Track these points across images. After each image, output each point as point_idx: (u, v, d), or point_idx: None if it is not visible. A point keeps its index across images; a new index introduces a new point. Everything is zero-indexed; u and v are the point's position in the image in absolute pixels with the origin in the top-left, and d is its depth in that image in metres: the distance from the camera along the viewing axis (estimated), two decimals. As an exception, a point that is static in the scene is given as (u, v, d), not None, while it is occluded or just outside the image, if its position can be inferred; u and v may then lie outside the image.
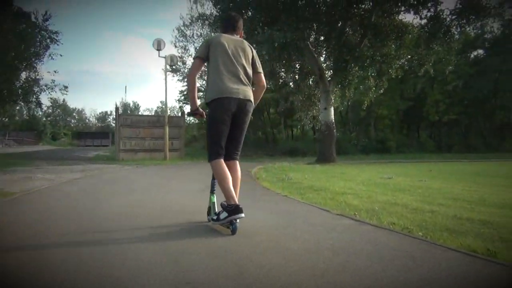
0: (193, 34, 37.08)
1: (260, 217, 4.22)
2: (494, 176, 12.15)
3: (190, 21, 36.66)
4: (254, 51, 3.93)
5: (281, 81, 22.16)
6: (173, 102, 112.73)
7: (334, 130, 20.10)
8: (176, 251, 2.77)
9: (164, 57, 18.52)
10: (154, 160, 17.40)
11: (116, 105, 17.85)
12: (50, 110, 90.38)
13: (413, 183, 8.65)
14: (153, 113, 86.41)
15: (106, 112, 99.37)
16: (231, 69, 3.64)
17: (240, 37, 3.94)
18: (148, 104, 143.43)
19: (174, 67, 18.79)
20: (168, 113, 21.08)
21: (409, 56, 18.42)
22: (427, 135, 45.67)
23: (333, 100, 19.95)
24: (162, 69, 31.53)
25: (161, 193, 6.49)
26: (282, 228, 3.69)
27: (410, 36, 17.50)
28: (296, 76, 21.13)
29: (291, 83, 22.72)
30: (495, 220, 4.15)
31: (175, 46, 37.38)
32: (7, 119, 48.93)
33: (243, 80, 3.69)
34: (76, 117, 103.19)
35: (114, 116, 19.73)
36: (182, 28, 36.85)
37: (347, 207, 4.92)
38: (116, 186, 7.71)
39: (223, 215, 3.41)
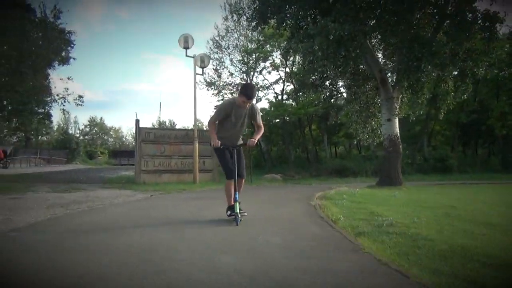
0: (228, 46, 34.36)
1: None
2: None
3: (225, 31, 34.07)
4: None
5: (332, 88, 18.51)
6: (207, 119, 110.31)
7: (400, 146, 16.36)
8: None
9: (193, 57, 15.36)
10: (181, 184, 14.11)
11: (136, 116, 14.58)
12: (87, 129, 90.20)
13: None
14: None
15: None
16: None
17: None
18: (184, 123, 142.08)
19: (204, 74, 15.37)
20: (199, 126, 17.88)
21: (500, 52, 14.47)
22: (489, 152, 40.94)
23: (398, 109, 16.26)
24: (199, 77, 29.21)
25: None
26: None
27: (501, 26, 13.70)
28: (351, 82, 17.46)
29: (343, 92, 19.05)
30: None
31: (210, 58, 34.65)
32: (38, 136, 47.39)
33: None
34: (113, 135, 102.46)
35: (134, 131, 16.52)
36: (217, 38, 34.16)
37: None
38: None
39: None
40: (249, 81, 34.01)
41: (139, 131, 15.71)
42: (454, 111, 32.54)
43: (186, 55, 15.05)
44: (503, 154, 35.78)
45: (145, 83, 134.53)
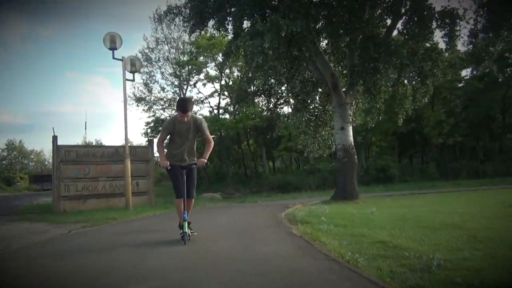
0: (159, 58, 32.15)
1: None
2: None
3: (155, 43, 31.84)
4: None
5: (278, 96, 16.96)
6: (137, 137, 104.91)
7: (355, 156, 15.04)
8: None
9: (122, 59, 13.03)
10: (111, 211, 11.70)
11: (53, 132, 11.97)
12: (4, 153, 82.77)
13: None
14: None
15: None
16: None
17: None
18: (113, 143, 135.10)
19: (134, 83, 13.10)
20: (131, 143, 15.53)
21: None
22: (422, 161, 41.44)
23: (352, 116, 14.97)
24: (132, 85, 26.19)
25: None
26: None
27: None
28: (300, 89, 15.90)
29: (290, 101, 17.42)
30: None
31: (139, 72, 32.16)
32: None
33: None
34: (34, 159, 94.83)
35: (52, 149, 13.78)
36: (146, 51, 31.85)
37: None
38: None
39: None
40: (183, 95, 32.11)
41: (57, 149, 13.09)
42: (392, 120, 32.40)
43: (114, 58, 12.65)
44: (438, 162, 36.10)
45: (70, 104, 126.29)
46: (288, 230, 6.17)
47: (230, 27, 14.38)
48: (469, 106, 32.22)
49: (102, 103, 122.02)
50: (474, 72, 31.95)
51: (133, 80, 13.30)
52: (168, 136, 5.79)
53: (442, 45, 13.32)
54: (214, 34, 15.11)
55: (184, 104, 5.48)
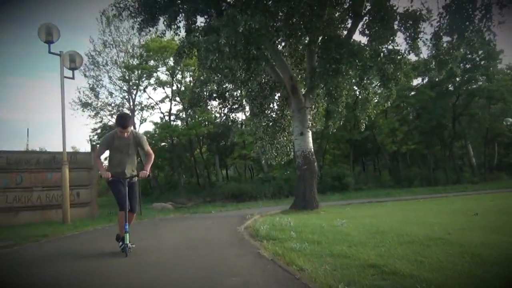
0: (107, 62, 30.44)
1: None
2: None
3: (103, 46, 30.12)
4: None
5: (233, 100, 15.97)
6: (84, 144, 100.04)
7: (315, 164, 14.30)
8: None
9: (59, 54, 11.56)
10: (45, 226, 10.25)
11: None
12: None
13: None
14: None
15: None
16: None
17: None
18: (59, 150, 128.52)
19: (73, 78, 11.64)
20: (75, 149, 14.02)
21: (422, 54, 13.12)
22: (374, 168, 41.69)
23: (310, 122, 14.22)
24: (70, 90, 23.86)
25: None
26: None
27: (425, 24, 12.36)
28: (257, 92, 14.98)
29: (246, 106, 16.42)
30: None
31: (85, 76, 30.37)
32: None
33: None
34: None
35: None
36: (93, 53, 30.03)
37: None
38: None
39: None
40: (132, 101, 30.60)
41: (-16, 155, 11.47)
42: (346, 129, 32.21)
43: (50, 52, 11.15)
44: (390, 170, 36.27)
45: (10, 111, 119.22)
46: (254, 250, 5.10)
47: (182, 23, 13.30)
48: (421, 114, 32.48)
49: (46, 109, 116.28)
50: (425, 81, 32.47)
51: (72, 78, 11.79)
52: (108, 151, 5.81)
53: (405, 47, 12.83)
54: (164, 32, 13.90)
55: (124, 121, 5.46)
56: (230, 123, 18.30)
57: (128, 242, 5.31)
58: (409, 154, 37.76)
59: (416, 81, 31.48)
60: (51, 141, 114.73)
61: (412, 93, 32.66)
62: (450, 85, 32.54)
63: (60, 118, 11.59)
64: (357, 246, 5.07)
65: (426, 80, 32.44)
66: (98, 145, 7.98)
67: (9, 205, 11.72)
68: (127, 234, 5.30)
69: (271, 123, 15.63)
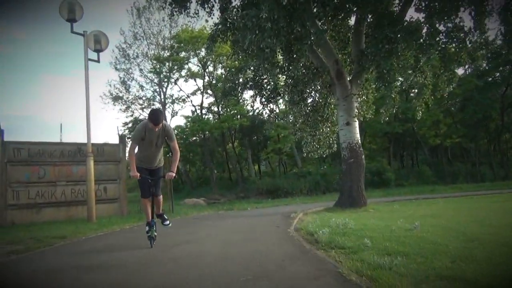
0: (137, 55, 29.72)
1: None
2: None
3: (133, 38, 29.39)
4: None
5: (271, 88, 14.68)
6: (115, 138, 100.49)
7: (363, 156, 12.92)
8: None
9: (83, 34, 10.51)
10: (69, 225, 9.28)
11: None
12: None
13: None
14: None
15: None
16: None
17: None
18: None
19: (98, 61, 10.55)
20: (97, 142, 13.12)
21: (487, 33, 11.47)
22: (413, 163, 39.53)
23: (357, 111, 12.83)
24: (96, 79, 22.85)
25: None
26: None
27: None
28: (301, 77, 13.60)
29: (285, 93, 15.05)
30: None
31: (116, 69, 29.77)
32: None
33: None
34: None
35: None
36: (124, 46, 29.34)
37: None
38: None
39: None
40: (163, 94, 29.77)
41: (4, 146, 10.53)
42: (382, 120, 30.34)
43: (72, 31, 10.18)
44: (430, 165, 34.19)
45: (42, 107, 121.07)
46: (328, 267, 3.71)
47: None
48: (467, 105, 30.36)
49: (79, 105, 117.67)
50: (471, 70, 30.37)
51: (97, 61, 10.77)
52: None
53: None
54: (197, 12, 12.73)
55: (156, 118, 5.38)
56: (268, 114, 17.01)
57: (154, 235, 5.57)
58: (450, 148, 35.65)
59: (461, 71, 29.52)
60: (84, 137, 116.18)
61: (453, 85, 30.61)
62: (497, 74, 30.35)
63: (93, 112, 10.57)
64: (463, 260, 3.75)
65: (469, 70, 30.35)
66: (130, 140, 7.85)
67: (31, 201, 10.82)
68: (153, 228, 5.59)
69: (311, 113, 14.27)
